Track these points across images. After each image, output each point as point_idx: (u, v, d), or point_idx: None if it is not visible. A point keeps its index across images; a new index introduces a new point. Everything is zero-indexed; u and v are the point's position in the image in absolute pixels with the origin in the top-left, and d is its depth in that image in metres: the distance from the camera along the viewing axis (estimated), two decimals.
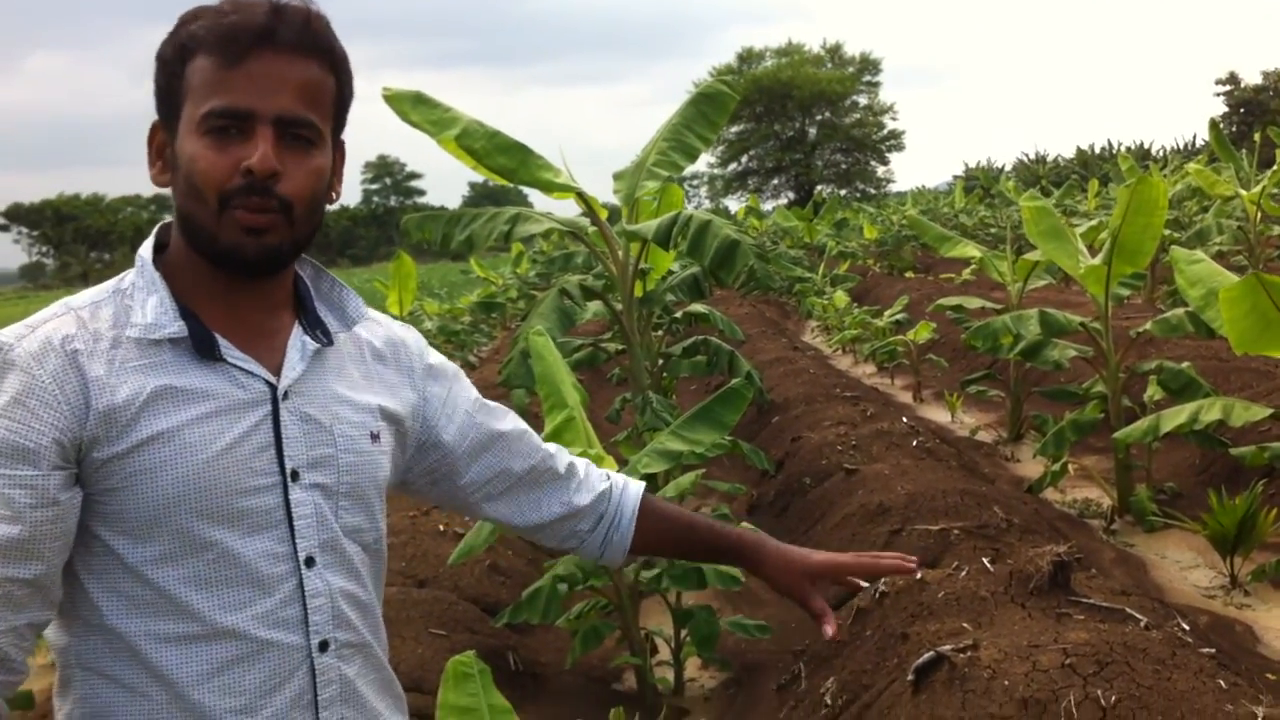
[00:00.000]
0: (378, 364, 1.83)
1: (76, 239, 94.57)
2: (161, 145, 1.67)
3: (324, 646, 1.66)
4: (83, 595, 1.58)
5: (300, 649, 1.64)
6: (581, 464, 2.07)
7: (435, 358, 1.93)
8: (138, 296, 1.62)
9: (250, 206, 1.58)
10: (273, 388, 1.65)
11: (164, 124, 1.65)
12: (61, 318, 1.58)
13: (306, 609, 1.64)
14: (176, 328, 1.59)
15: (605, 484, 2.07)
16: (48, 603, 1.54)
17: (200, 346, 1.61)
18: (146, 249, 1.67)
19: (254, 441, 1.62)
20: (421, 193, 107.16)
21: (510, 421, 1.99)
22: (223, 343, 1.63)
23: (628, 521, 2.06)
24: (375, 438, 1.76)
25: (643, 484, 2.11)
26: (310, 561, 1.65)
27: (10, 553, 1.48)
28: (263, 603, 1.61)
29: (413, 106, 6.45)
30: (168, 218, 1.70)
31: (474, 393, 1.97)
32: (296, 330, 1.71)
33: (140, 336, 1.58)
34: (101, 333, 1.58)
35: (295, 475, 1.64)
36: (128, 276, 1.66)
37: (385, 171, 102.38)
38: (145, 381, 1.56)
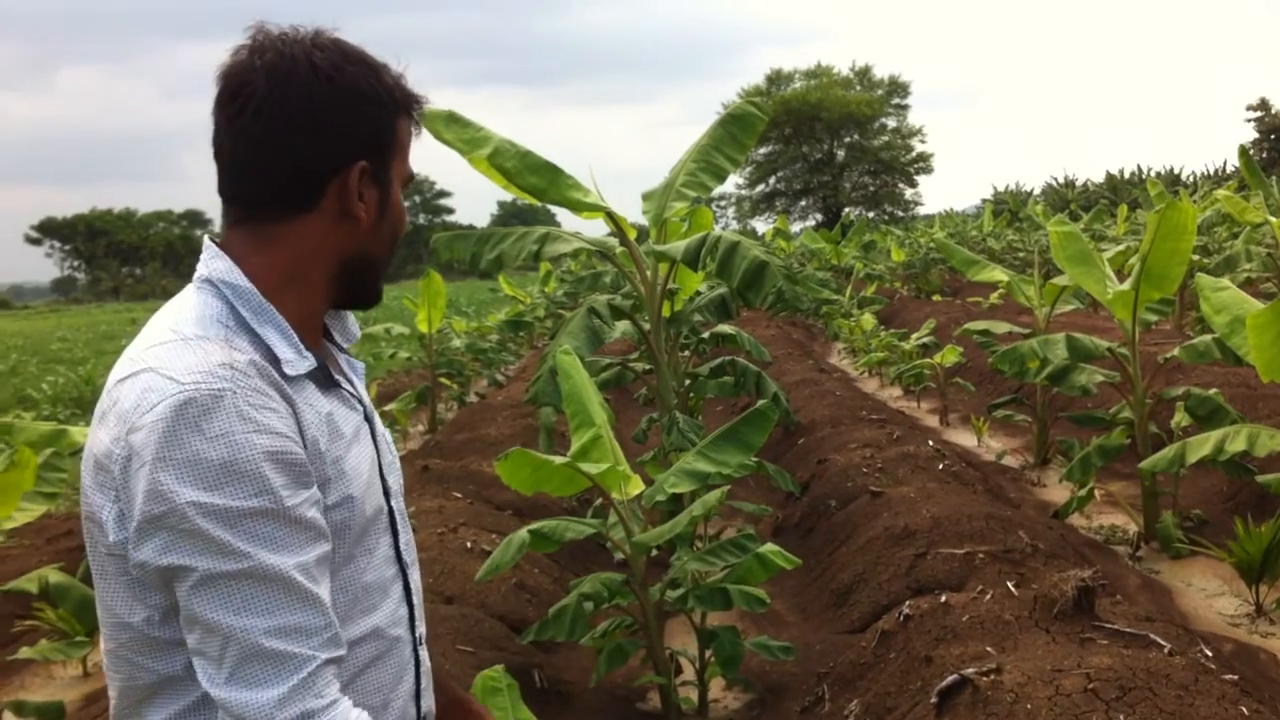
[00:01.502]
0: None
1: (108, 254, 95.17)
2: (361, 189, 1.68)
3: (420, 639, 1.82)
4: None
5: (409, 643, 1.79)
6: None
7: None
8: (261, 329, 1.62)
9: None
10: (364, 406, 1.76)
11: (371, 166, 1.68)
12: (235, 354, 1.55)
13: (411, 606, 1.79)
14: (310, 361, 1.65)
15: None
16: None
17: (325, 377, 1.69)
18: (238, 275, 1.64)
19: (372, 457, 1.75)
20: (450, 210, 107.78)
21: None
22: (332, 370, 1.72)
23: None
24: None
25: None
26: (406, 562, 1.80)
27: (327, 567, 1.57)
28: (387, 604, 1.73)
29: (446, 125, 6.52)
30: (200, 233, 1.75)
31: None
32: (336, 350, 1.80)
33: (293, 374, 1.61)
34: (265, 368, 1.58)
35: (388, 486, 1.79)
36: (216, 304, 1.62)
37: (415, 190, 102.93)
38: (315, 414, 1.63)
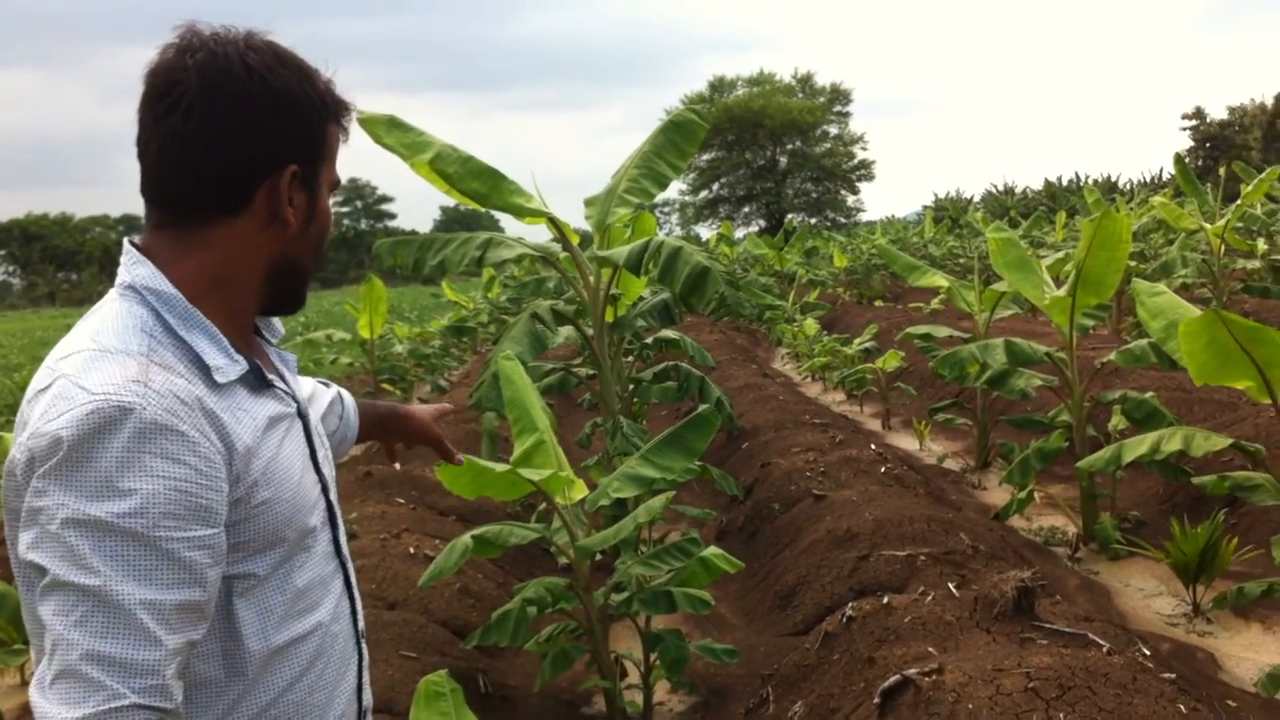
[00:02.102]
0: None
1: (44, 259, 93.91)
2: (291, 193, 1.66)
3: (362, 634, 1.82)
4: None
5: (351, 637, 1.79)
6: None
7: None
8: (188, 336, 1.59)
9: None
10: (298, 402, 1.75)
11: (301, 171, 1.67)
12: (152, 368, 1.52)
13: (353, 600, 1.79)
14: (241, 365, 1.63)
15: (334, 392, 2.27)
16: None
17: (257, 378, 1.67)
18: (161, 281, 1.61)
19: (304, 453, 1.74)
20: (392, 216, 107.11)
21: None
22: (264, 369, 1.70)
23: (354, 417, 2.28)
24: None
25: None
26: (346, 558, 1.80)
27: (192, 616, 1.49)
28: (329, 600, 1.72)
29: (387, 130, 6.48)
30: (129, 246, 1.65)
31: None
32: (267, 346, 1.79)
33: (225, 381, 1.59)
34: (190, 377, 1.56)
35: (325, 479, 1.78)
36: (140, 313, 1.59)
37: (356, 195, 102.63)
38: (248, 418, 1.61)
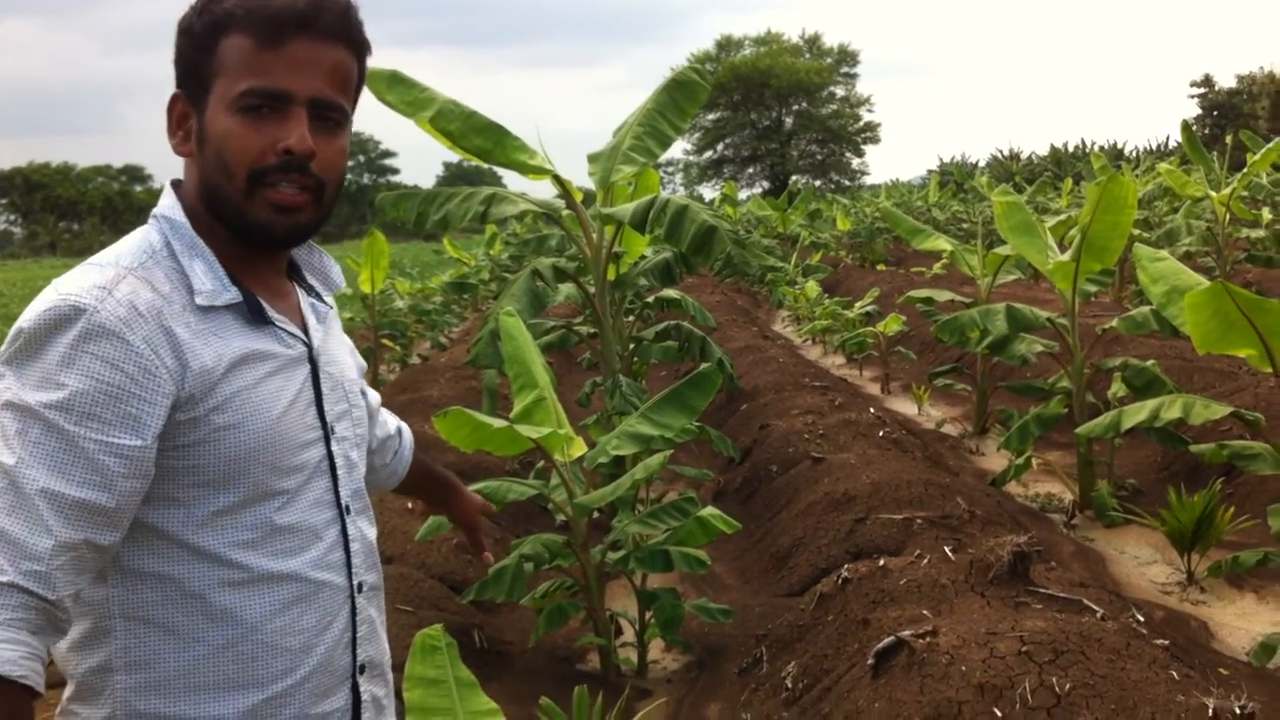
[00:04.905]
0: (339, 327, 1.93)
1: (45, 208, 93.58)
2: (183, 116, 1.68)
3: (359, 588, 1.79)
4: (141, 546, 1.61)
5: (344, 590, 1.76)
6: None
7: None
8: (184, 260, 1.64)
9: (289, 184, 1.65)
10: (308, 347, 1.73)
11: (188, 96, 1.68)
12: (127, 280, 1.58)
13: (349, 553, 1.76)
14: (232, 294, 1.65)
15: (393, 426, 2.29)
16: (102, 567, 1.58)
17: (253, 311, 1.67)
18: (175, 209, 1.69)
19: (305, 398, 1.72)
20: (395, 171, 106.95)
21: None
22: (266, 306, 1.70)
23: (408, 456, 2.32)
24: (363, 393, 1.92)
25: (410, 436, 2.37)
26: (347, 509, 1.77)
27: (95, 519, 1.51)
28: (316, 548, 1.71)
29: (389, 86, 6.43)
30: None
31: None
32: (300, 294, 1.79)
33: (207, 304, 1.62)
34: (169, 296, 1.60)
35: (332, 429, 1.76)
36: (153, 236, 1.67)
37: (359, 149, 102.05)
38: (222, 344, 1.62)
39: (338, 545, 1.74)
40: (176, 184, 1.73)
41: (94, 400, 1.50)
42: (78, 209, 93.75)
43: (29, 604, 1.46)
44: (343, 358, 1.86)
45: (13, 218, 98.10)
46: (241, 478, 1.62)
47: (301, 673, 1.68)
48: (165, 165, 1.78)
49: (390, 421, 2.27)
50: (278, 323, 1.71)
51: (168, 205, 1.69)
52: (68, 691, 1.66)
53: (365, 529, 1.82)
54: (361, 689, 1.79)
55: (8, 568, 1.45)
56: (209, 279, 1.63)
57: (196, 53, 1.65)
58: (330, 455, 1.75)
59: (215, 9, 1.64)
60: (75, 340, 1.51)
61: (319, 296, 1.84)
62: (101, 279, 1.57)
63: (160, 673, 1.60)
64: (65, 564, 1.48)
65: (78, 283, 1.56)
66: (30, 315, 1.53)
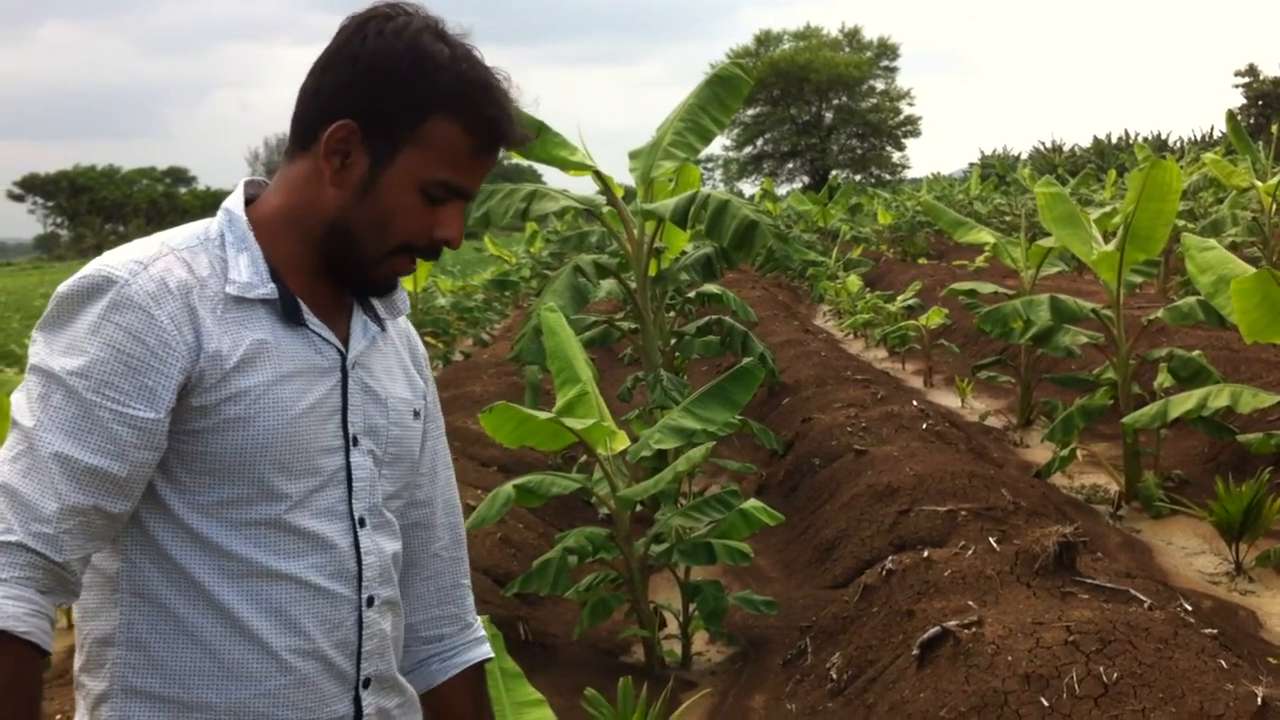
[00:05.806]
0: (410, 356, 1.91)
1: (91, 210, 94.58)
2: (347, 150, 1.65)
3: (370, 602, 1.74)
4: (149, 526, 1.63)
5: (350, 601, 1.72)
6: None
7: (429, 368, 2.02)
8: (230, 251, 1.66)
9: (412, 262, 1.72)
10: (343, 356, 1.73)
11: (367, 139, 1.65)
12: (166, 258, 1.61)
13: (361, 565, 1.72)
14: (268, 290, 1.65)
15: (471, 617, 2.04)
16: (114, 535, 1.61)
17: (287, 310, 1.68)
18: (237, 203, 1.70)
19: (328, 405, 1.70)
20: None
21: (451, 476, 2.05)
22: (305, 309, 1.70)
23: (461, 661, 2.00)
24: (417, 415, 1.87)
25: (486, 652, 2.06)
26: (362, 521, 1.74)
27: (106, 486, 1.54)
28: (323, 554, 1.68)
29: None
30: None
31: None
32: (356, 310, 1.80)
33: (238, 294, 1.63)
34: (205, 280, 1.62)
35: (355, 440, 1.73)
36: (213, 225, 1.69)
37: None
38: (243, 335, 1.63)
39: (350, 556, 1.71)
40: (253, 184, 1.75)
41: (113, 369, 1.53)
42: (123, 211, 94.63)
43: (36, 563, 1.48)
44: (398, 377, 1.85)
45: (59, 220, 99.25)
46: (246, 472, 1.62)
47: (296, 675, 1.66)
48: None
49: (469, 632, 2.02)
50: (312, 326, 1.70)
51: (233, 199, 1.72)
52: (77, 661, 1.69)
53: (383, 543, 1.77)
54: (364, 701, 1.75)
55: (17, 527, 1.48)
56: (248, 272, 1.64)
57: (398, 109, 1.63)
58: (349, 466, 1.73)
59: (438, 76, 1.63)
60: (104, 310, 1.54)
61: (377, 318, 1.82)
62: (142, 254, 1.60)
63: (156, 652, 1.62)
64: (74, 528, 1.51)
65: (120, 255, 1.60)
66: (68, 282, 1.57)
